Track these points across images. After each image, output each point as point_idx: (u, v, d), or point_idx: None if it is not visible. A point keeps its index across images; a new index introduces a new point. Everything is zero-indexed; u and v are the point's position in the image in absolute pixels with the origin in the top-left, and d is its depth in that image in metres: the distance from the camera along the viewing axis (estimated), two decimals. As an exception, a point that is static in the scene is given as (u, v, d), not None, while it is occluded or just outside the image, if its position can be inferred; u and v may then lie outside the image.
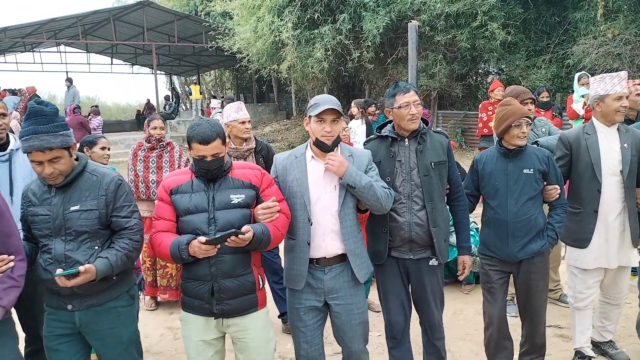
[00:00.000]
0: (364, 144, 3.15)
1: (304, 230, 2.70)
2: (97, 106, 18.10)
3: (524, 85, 10.57)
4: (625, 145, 3.26)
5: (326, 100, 2.68)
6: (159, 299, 4.82)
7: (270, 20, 13.01)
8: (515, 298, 3.51)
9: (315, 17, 12.34)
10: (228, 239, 2.35)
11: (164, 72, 28.05)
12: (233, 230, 2.35)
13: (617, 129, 3.31)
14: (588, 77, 8.10)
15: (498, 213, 3.17)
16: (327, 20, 12.36)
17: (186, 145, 2.63)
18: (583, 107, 7.08)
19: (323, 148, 2.69)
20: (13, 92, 15.92)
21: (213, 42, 17.41)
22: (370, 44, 11.63)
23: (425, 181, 2.91)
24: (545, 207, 3.25)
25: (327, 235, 2.70)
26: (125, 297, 2.59)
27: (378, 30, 11.31)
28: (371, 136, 3.17)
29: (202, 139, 2.45)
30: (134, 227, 2.50)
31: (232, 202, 2.53)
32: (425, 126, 3.01)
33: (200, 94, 21.99)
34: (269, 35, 13.15)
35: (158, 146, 4.63)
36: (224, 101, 13.29)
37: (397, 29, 11.89)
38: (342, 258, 2.74)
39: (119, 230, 2.49)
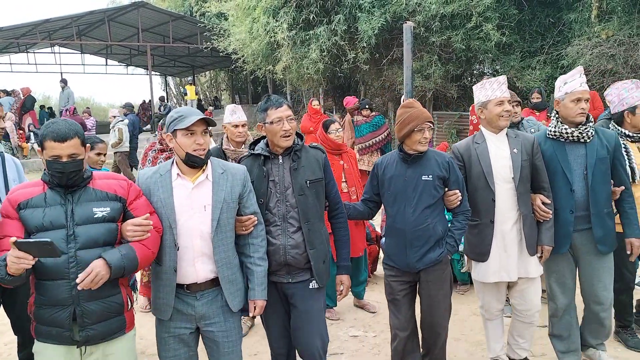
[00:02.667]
0: (239, 162, 2.91)
1: (170, 256, 2.45)
2: (89, 108, 18.13)
3: (518, 86, 10.64)
4: (515, 150, 3.15)
5: (193, 112, 2.48)
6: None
7: (265, 21, 13.00)
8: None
9: (311, 18, 12.33)
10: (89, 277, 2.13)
11: (159, 73, 27.99)
12: (48, 240, 2.01)
13: (506, 134, 3.21)
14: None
15: (396, 222, 3.05)
16: (322, 21, 12.35)
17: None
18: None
19: (196, 163, 2.46)
20: (7, 93, 15.85)
21: (208, 43, 17.37)
22: (365, 45, 11.63)
23: (301, 201, 2.74)
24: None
25: (197, 260, 2.48)
26: None
27: (373, 31, 11.31)
28: (245, 153, 3.00)
29: (57, 136, 2.18)
30: None
31: (96, 215, 2.26)
32: (300, 142, 2.86)
33: (196, 94, 21.95)
34: (264, 36, 13.13)
35: (168, 149, 4.55)
36: (124, 107, 13.16)
37: (392, 30, 11.89)
38: (216, 282, 2.53)
39: None
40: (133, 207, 2.38)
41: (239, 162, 2.87)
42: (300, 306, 2.80)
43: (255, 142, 2.94)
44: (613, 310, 3.52)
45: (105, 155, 3.97)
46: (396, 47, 12.07)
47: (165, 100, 22.88)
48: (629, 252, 3.31)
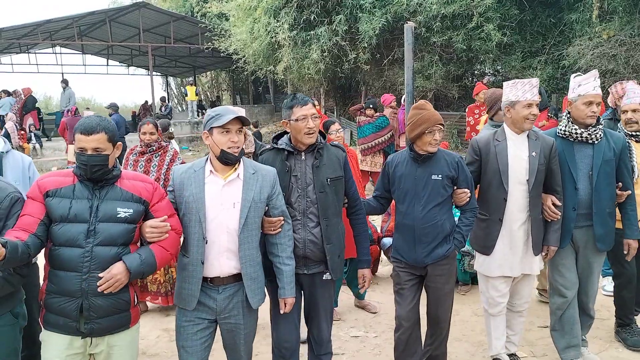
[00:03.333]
0: (259, 155, 3.03)
1: (198, 249, 2.54)
2: (88, 108, 18.14)
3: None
4: (534, 153, 3.19)
5: (230, 111, 2.57)
6: (148, 304, 4.82)
7: (266, 22, 13.01)
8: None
9: (312, 18, 12.34)
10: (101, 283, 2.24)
11: (160, 74, 28.02)
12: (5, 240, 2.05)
13: (528, 136, 3.25)
14: (583, 78, 8.14)
15: (406, 218, 3.13)
16: (323, 22, 12.36)
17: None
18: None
19: (229, 160, 2.55)
20: (8, 94, 15.87)
21: (209, 44, 17.39)
22: (366, 45, 11.64)
23: (321, 198, 2.85)
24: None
25: (222, 255, 2.57)
26: (8, 316, 2.45)
27: (374, 32, 11.32)
28: (266, 147, 3.07)
29: (84, 129, 2.26)
30: None
31: (119, 215, 2.32)
32: (322, 140, 2.95)
33: (197, 95, 21.97)
34: (265, 37, 13.14)
35: (147, 150, 4.57)
36: (109, 108, 13.15)
37: (393, 30, 11.90)
38: (238, 277, 2.61)
39: None
40: (155, 209, 2.45)
41: (260, 154, 2.99)
42: (316, 295, 2.97)
43: (278, 137, 3.01)
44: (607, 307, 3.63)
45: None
46: (397, 47, 12.08)
47: (167, 101, 22.88)
48: (625, 252, 3.44)
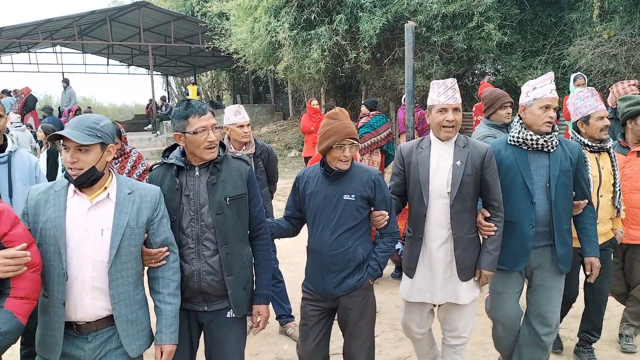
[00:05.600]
0: (149, 170, 2.60)
1: (58, 287, 2.09)
2: (89, 107, 18.17)
3: (519, 86, 10.62)
4: (459, 162, 2.78)
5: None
6: None
7: (266, 21, 13.01)
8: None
9: (312, 17, 12.34)
10: None
11: (160, 73, 28.02)
12: None
13: (455, 142, 2.85)
14: (583, 78, 8.16)
15: (314, 243, 2.76)
16: (323, 21, 12.36)
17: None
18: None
19: (70, 181, 2.14)
20: (8, 93, 15.88)
21: (209, 43, 17.39)
22: (366, 44, 11.63)
23: (219, 221, 2.40)
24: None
25: (87, 294, 2.11)
26: None
27: (374, 31, 11.31)
28: (156, 161, 2.62)
29: None
30: None
31: None
32: (223, 152, 2.51)
33: (198, 94, 21.97)
34: (265, 36, 13.14)
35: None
36: (43, 110, 13.22)
37: (394, 30, 11.89)
38: (112, 320, 2.17)
39: None
40: (7, 239, 1.96)
41: (150, 170, 2.59)
42: (216, 336, 2.51)
43: (169, 149, 2.60)
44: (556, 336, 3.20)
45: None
46: (397, 46, 12.08)
47: (167, 100, 22.88)
48: (587, 273, 3.09)
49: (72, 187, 2.15)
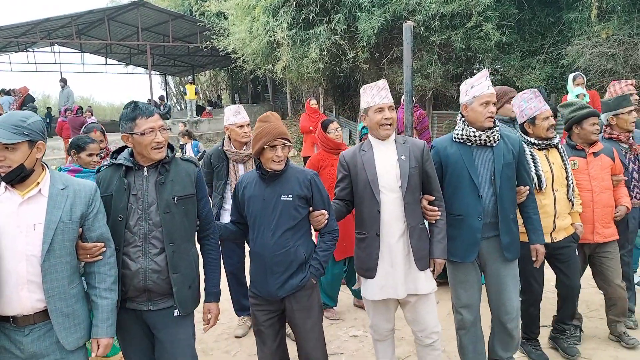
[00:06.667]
0: (97, 172, 2.65)
1: None
2: (90, 107, 18.17)
3: (518, 86, 10.64)
4: (403, 157, 2.93)
5: None
6: None
7: (265, 21, 13.01)
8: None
9: (310, 17, 12.34)
10: None
11: (158, 72, 28.00)
12: None
13: (395, 140, 3.00)
14: (582, 77, 8.16)
15: (256, 246, 2.82)
16: (322, 21, 12.36)
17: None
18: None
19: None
20: (6, 93, 15.88)
21: (208, 42, 17.38)
22: (365, 44, 11.64)
23: (166, 219, 2.46)
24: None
25: (23, 287, 2.13)
26: None
27: (373, 31, 11.32)
28: (104, 162, 2.68)
29: None
30: None
31: None
32: (171, 154, 2.57)
33: (196, 94, 21.96)
34: (263, 36, 13.14)
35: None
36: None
37: (392, 30, 11.90)
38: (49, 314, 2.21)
39: None
40: None
41: (97, 172, 2.63)
42: (164, 336, 2.52)
43: (118, 151, 2.66)
44: (520, 321, 3.29)
45: (98, 154, 3.90)
46: (396, 46, 12.08)
47: (165, 99, 22.87)
48: (534, 259, 3.21)
49: (3, 183, 2.18)
